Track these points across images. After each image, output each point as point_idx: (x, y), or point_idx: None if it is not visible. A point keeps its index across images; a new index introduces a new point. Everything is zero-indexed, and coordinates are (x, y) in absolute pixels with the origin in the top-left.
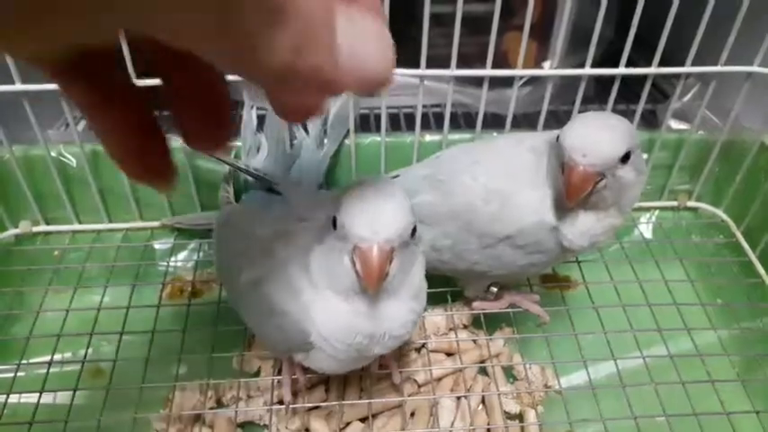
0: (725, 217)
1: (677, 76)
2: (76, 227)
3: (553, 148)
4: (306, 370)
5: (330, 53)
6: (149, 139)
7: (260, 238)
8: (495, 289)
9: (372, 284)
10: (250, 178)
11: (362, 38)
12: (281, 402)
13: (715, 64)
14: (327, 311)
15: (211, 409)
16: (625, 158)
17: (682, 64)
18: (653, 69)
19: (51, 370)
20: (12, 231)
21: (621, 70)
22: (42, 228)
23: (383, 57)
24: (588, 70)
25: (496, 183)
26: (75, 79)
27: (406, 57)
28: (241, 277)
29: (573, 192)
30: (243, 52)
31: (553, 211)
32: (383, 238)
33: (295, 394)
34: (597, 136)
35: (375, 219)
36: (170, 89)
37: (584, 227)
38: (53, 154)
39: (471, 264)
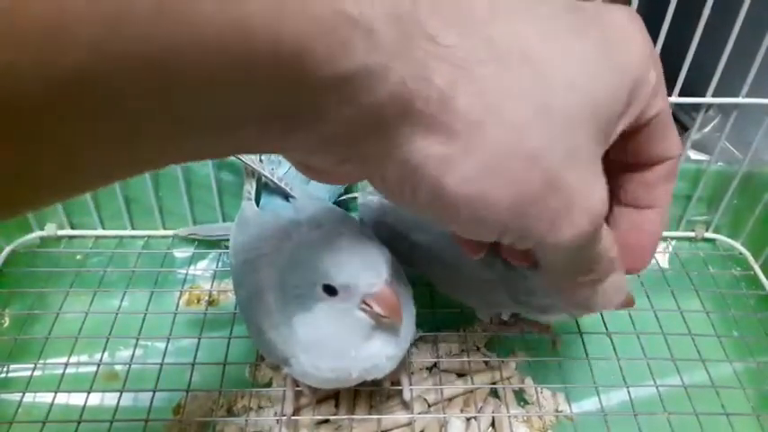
0: (743, 249)
1: (697, 108)
2: (100, 232)
3: None
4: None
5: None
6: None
7: (258, 253)
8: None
9: (398, 318)
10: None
11: (613, 286)
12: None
13: (736, 96)
14: (316, 359)
15: (222, 417)
16: None
17: (702, 95)
18: (672, 99)
19: (67, 371)
20: (37, 233)
21: None
22: (67, 231)
23: (617, 301)
24: None
25: None
26: None
27: None
28: (242, 286)
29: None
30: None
31: None
32: (385, 276)
33: (299, 409)
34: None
35: (370, 263)
36: None
37: None
38: None
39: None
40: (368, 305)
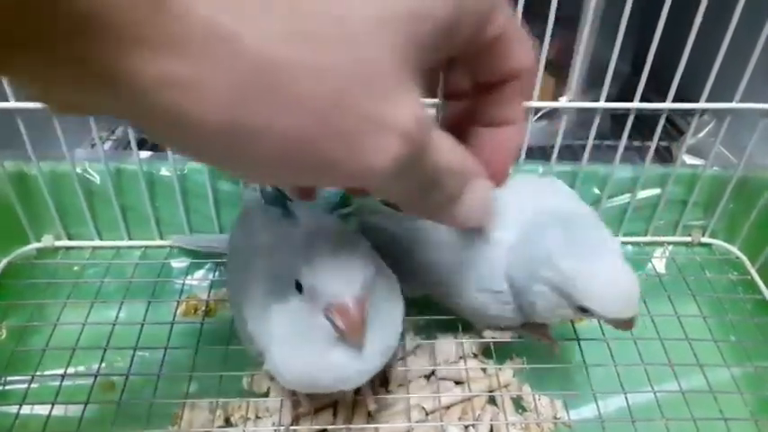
0: (739, 254)
1: (692, 113)
2: (97, 243)
3: (546, 282)
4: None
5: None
6: None
7: (253, 242)
8: None
9: (356, 338)
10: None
11: (476, 201)
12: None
13: (730, 101)
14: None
15: (220, 427)
16: None
17: (697, 100)
18: (667, 105)
19: (64, 382)
20: (34, 245)
21: (635, 105)
22: (64, 243)
23: (483, 217)
24: (602, 104)
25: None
26: None
27: (428, 87)
28: (235, 272)
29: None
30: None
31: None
32: (356, 288)
33: (297, 418)
34: (624, 291)
35: (342, 272)
36: None
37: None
38: (78, 170)
39: (453, 303)
40: (331, 314)
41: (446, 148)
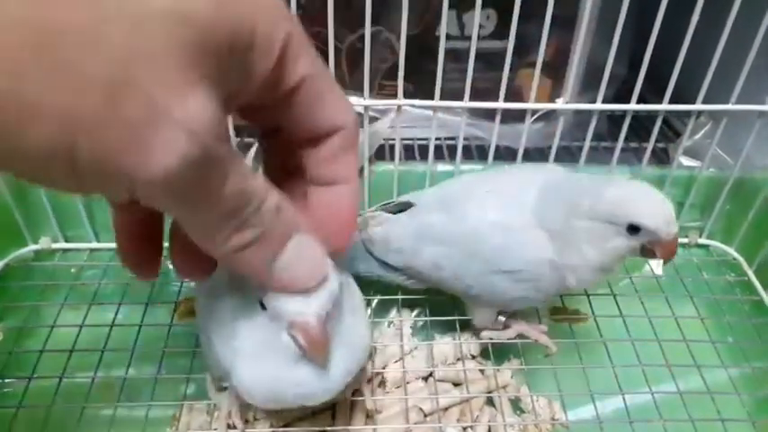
0: (736, 255)
1: (689, 114)
2: (94, 245)
3: (590, 215)
4: None
5: (269, 264)
6: (144, 243)
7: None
8: (502, 318)
9: (319, 356)
10: None
11: (301, 260)
12: (287, 425)
13: (726, 102)
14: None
15: (216, 429)
16: None
17: (693, 102)
18: (663, 106)
19: (62, 384)
20: (32, 247)
21: (632, 106)
22: (61, 245)
23: (311, 278)
24: (599, 105)
25: (505, 216)
26: None
27: (423, 89)
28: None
29: (669, 260)
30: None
31: (557, 253)
32: (318, 306)
33: (246, 421)
34: (667, 205)
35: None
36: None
37: (585, 276)
38: None
39: (466, 286)
40: (294, 332)
41: (258, 182)
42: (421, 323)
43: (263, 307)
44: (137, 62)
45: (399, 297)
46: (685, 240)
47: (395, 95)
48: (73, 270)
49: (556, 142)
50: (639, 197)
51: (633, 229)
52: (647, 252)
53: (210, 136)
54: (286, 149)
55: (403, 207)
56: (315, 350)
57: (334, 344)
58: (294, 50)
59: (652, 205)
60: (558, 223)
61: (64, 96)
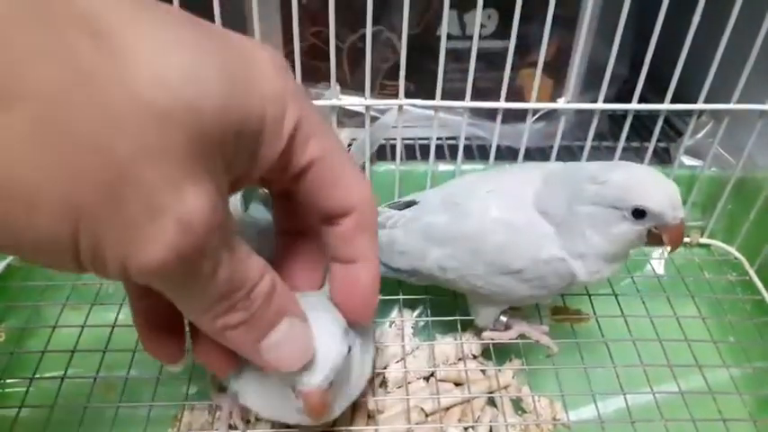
0: (738, 255)
1: (690, 114)
2: None
3: (594, 200)
4: None
5: (255, 345)
6: (164, 334)
7: None
8: (504, 318)
9: (320, 420)
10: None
11: (288, 343)
12: (288, 427)
13: (728, 101)
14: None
15: (218, 429)
16: None
17: (695, 101)
18: (665, 106)
19: (64, 385)
20: None
21: (634, 106)
22: None
23: (297, 361)
24: (600, 105)
25: (509, 214)
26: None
27: (424, 88)
28: None
29: (676, 247)
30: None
31: (563, 246)
32: (323, 378)
33: (248, 421)
34: (673, 189)
35: (310, 363)
36: None
37: (594, 267)
38: None
39: (473, 286)
40: (299, 396)
41: (253, 266)
42: (422, 323)
43: None
44: (140, 162)
45: (400, 297)
46: (687, 240)
47: (396, 95)
48: None
49: (557, 142)
50: (645, 180)
51: (638, 213)
52: (653, 239)
53: (206, 228)
54: (299, 213)
55: (408, 205)
56: (316, 416)
57: (338, 384)
58: (305, 133)
59: (657, 188)
60: (561, 210)
61: (65, 187)
